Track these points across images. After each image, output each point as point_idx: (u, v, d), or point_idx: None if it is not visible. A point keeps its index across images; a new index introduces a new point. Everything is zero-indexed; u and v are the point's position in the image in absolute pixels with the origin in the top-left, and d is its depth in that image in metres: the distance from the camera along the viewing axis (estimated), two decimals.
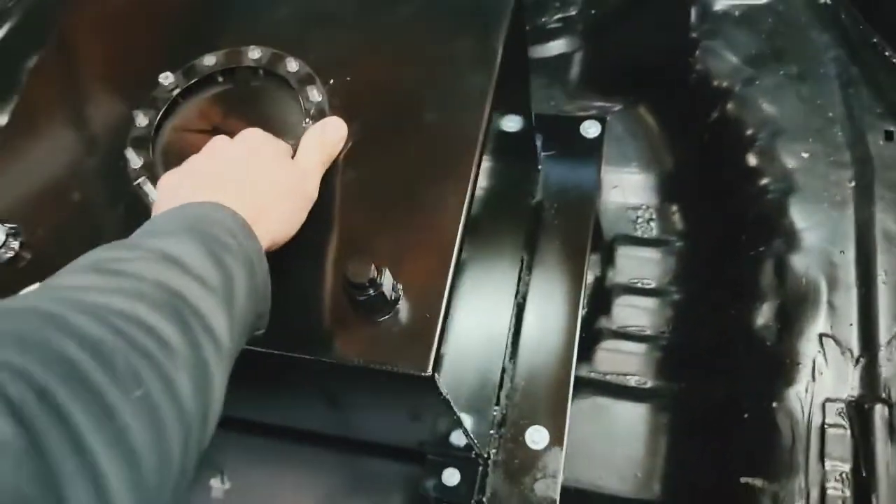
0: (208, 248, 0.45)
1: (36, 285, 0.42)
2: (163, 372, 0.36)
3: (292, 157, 0.61)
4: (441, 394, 0.57)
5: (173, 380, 0.36)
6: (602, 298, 0.95)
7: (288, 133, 0.65)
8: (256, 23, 0.71)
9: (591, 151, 0.99)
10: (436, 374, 0.54)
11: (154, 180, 0.63)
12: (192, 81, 0.68)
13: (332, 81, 0.67)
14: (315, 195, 0.59)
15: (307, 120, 0.65)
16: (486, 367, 0.84)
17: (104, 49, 0.72)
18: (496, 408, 0.86)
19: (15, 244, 0.63)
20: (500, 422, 0.85)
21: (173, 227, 0.47)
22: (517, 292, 0.92)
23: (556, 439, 0.83)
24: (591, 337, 0.92)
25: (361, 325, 0.56)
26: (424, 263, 0.57)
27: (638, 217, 0.98)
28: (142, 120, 0.67)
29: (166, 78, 0.68)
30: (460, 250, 0.58)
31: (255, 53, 0.68)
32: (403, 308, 0.56)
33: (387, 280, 0.54)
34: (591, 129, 1.00)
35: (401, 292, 0.56)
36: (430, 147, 0.62)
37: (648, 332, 0.91)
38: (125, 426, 0.32)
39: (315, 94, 0.65)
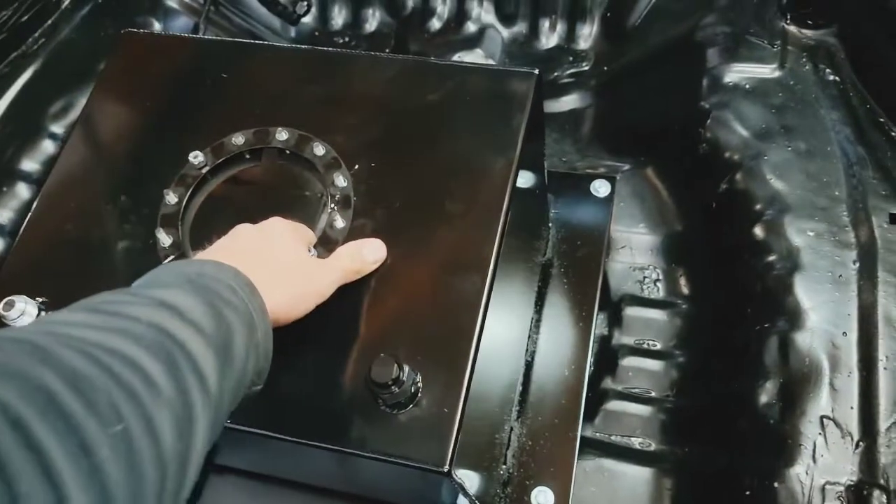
0: (207, 299, 0.45)
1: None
2: (145, 410, 0.35)
3: (316, 245, 0.64)
4: (457, 484, 0.59)
5: (154, 419, 0.35)
6: (609, 358, 0.97)
7: (311, 216, 0.67)
8: (285, 104, 0.73)
9: (601, 210, 1.02)
10: (453, 471, 0.56)
11: (182, 258, 0.65)
12: (220, 160, 0.71)
13: (357, 167, 0.69)
14: (326, 294, 0.59)
15: (332, 206, 0.67)
16: (494, 426, 0.87)
17: (136, 124, 0.75)
18: (503, 467, 0.88)
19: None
20: (506, 481, 0.87)
21: (173, 280, 0.47)
22: (526, 351, 0.94)
23: (562, 501, 0.86)
24: (597, 397, 0.94)
25: (382, 419, 0.58)
26: (444, 357, 0.60)
27: (645, 277, 1.01)
28: (171, 198, 0.69)
29: (196, 157, 0.70)
30: (477, 347, 0.60)
31: (282, 135, 0.71)
32: (423, 402, 0.58)
33: (408, 377, 0.56)
34: (601, 189, 1.03)
35: (420, 385, 0.58)
36: (451, 238, 0.64)
37: (653, 395, 0.93)
38: (101, 462, 0.31)
39: (340, 180, 0.68)
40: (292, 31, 1.27)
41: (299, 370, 0.61)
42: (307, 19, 1.26)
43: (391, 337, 0.61)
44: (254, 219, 0.62)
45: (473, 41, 1.23)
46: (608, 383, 0.96)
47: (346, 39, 1.28)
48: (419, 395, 0.58)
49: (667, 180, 1.03)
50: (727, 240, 0.90)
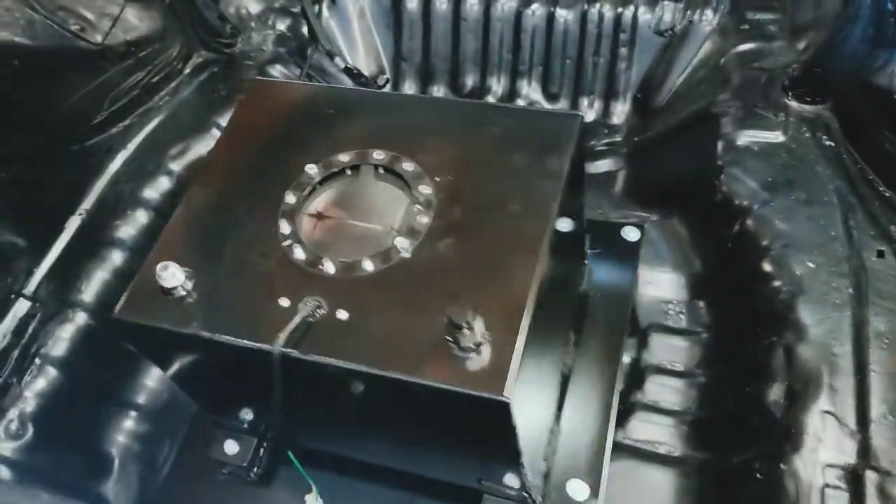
0: None
1: None
2: None
3: (403, 235, 0.81)
4: (511, 421, 0.73)
5: None
6: (637, 376, 1.10)
7: (399, 213, 0.85)
8: (379, 133, 0.92)
9: (631, 252, 1.18)
10: (510, 400, 0.70)
11: (298, 244, 0.83)
12: (329, 173, 0.90)
13: (437, 179, 0.87)
14: None
15: (417, 206, 0.85)
16: (537, 427, 0.99)
17: (262, 145, 0.95)
18: (543, 462, 1.00)
19: (189, 285, 0.83)
20: (546, 474, 0.99)
21: None
22: (565, 364, 1.08)
23: (595, 493, 0.97)
24: (627, 409, 1.07)
25: (452, 358, 0.73)
26: (503, 314, 0.75)
27: (669, 309, 1.15)
28: (290, 199, 0.88)
29: (311, 169, 0.89)
30: (532, 307, 0.76)
31: (379, 155, 0.90)
32: (486, 350, 0.73)
33: (478, 325, 0.71)
34: (631, 234, 1.19)
35: (487, 337, 0.73)
36: (512, 228, 0.81)
37: (677, 408, 1.05)
38: None
39: (425, 188, 0.86)
40: None
41: (383, 315, 0.76)
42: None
43: (461, 298, 0.77)
44: (354, 214, 0.79)
45: None
46: (637, 397, 1.08)
47: None
48: (482, 345, 0.73)
49: (688, 226, 1.19)
50: (740, 273, 1.05)
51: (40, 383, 1.09)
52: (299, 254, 0.83)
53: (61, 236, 1.20)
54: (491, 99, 1.47)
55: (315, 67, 1.43)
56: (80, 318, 1.15)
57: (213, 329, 0.79)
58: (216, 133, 1.33)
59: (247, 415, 1.01)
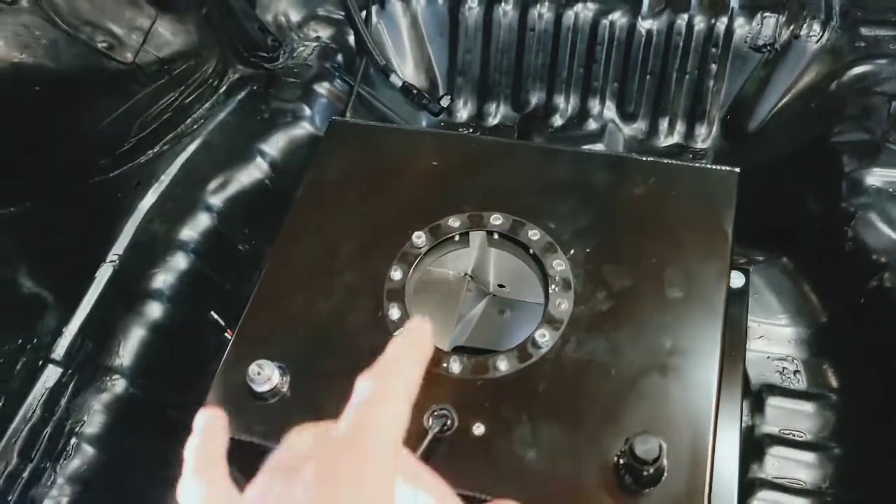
0: None
1: None
2: None
3: (542, 324, 0.68)
4: None
5: None
6: (754, 447, 0.99)
7: (533, 294, 0.71)
8: (494, 191, 0.78)
9: (736, 301, 1.06)
10: None
11: None
12: (439, 241, 0.75)
13: (572, 252, 0.73)
14: None
15: (552, 286, 0.71)
16: None
17: (353, 206, 0.80)
18: None
19: (285, 386, 0.69)
20: None
21: None
22: None
23: None
24: (745, 487, 0.96)
25: (625, 492, 0.60)
26: (685, 438, 0.62)
27: (784, 368, 1.04)
28: (396, 275, 0.74)
29: (419, 237, 0.74)
30: (715, 429, 0.63)
31: (497, 220, 0.76)
32: (671, 482, 0.60)
33: (665, 455, 0.59)
34: (735, 280, 1.06)
35: (666, 464, 0.60)
36: (676, 317, 0.68)
37: (806, 486, 0.94)
38: None
39: (559, 263, 0.72)
40: (423, 121, 1.35)
41: (528, 431, 0.63)
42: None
43: (629, 417, 0.64)
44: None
45: (595, 137, 1.30)
46: (756, 472, 0.97)
47: (471, 131, 1.36)
48: (664, 474, 0.60)
49: (805, 274, 1.07)
50: (882, 337, 0.93)
51: (76, 465, 0.95)
52: None
53: (91, 288, 1.04)
54: (558, 119, 1.33)
55: (363, 84, 1.27)
56: (119, 385, 1.00)
57: None
58: (260, 163, 1.17)
59: None
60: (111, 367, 1.00)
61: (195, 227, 1.12)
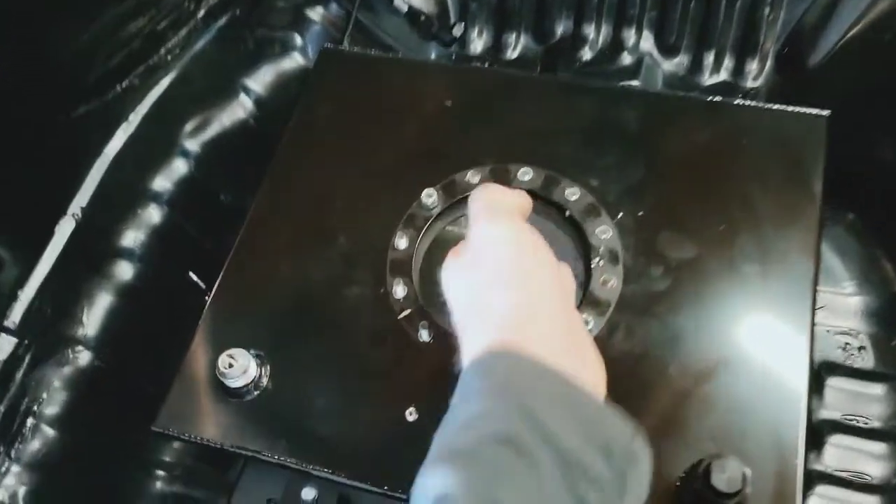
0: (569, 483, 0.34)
1: None
2: None
3: (580, 308, 0.54)
4: None
5: None
6: (811, 435, 0.86)
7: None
8: (523, 139, 0.63)
9: None
10: None
11: (424, 319, 0.55)
12: (455, 201, 0.61)
13: (620, 215, 0.59)
14: None
15: (596, 259, 0.57)
16: None
17: (349, 154, 0.65)
18: None
19: (265, 380, 0.55)
20: None
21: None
22: None
23: None
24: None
25: None
26: (764, 458, 0.49)
27: (847, 344, 0.90)
28: (402, 243, 0.59)
29: (430, 196, 0.60)
30: (805, 445, 0.50)
31: (526, 174, 0.61)
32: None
33: (749, 485, 0.46)
34: None
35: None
36: (752, 305, 0.54)
37: (873, 481, 0.82)
38: None
39: (604, 230, 0.58)
40: (432, 53, 1.18)
41: None
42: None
43: (693, 428, 0.51)
44: None
45: (629, 72, 1.13)
46: (813, 463, 0.85)
47: (486, 65, 1.19)
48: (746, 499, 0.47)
49: (874, 234, 0.93)
50: None
51: (35, 449, 0.83)
52: (425, 334, 0.56)
53: (50, 246, 0.90)
54: (588, 52, 1.16)
55: (363, 9, 1.10)
56: (83, 358, 0.87)
57: (308, 460, 0.53)
58: (244, 100, 1.02)
59: None
60: (74, 336, 0.87)
61: (170, 176, 0.97)
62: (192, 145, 0.99)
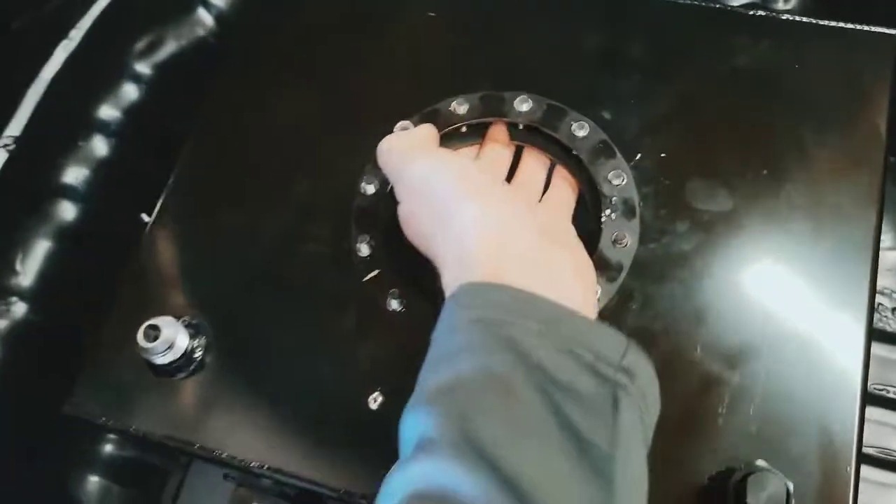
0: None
1: None
2: None
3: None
4: None
5: None
6: None
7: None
8: (521, 59, 0.51)
9: None
10: None
11: (388, 278, 0.45)
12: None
13: (638, 156, 0.48)
14: None
15: (608, 212, 0.46)
16: None
17: (304, 75, 0.53)
18: None
19: (199, 352, 0.45)
20: None
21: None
22: None
23: None
24: None
25: None
26: (809, 467, 0.40)
27: (880, 304, 0.80)
28: (369, 187, 0.48)
29: (405, 129, 0.48)
30: (860, 452, 0.41)
31: (524, 104, 0.49)
32: None
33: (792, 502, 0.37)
34: None
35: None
36: (801, 271, 0.44)
37: None
38: None
39: (617, 174, 0.47)
40: None
41: None
42: None
43: (724, 424, 0.41)
44: None
45: None
46: None
47: None
48: None
49: None
50: None
51: None
52: (395, 303, 0.45)
53: None
54: None
55: None
56: (18, 309, 0.77)
57: (249, 454, 0.43)
58: (203, 16, 0.89)
59: None
60: (7, 286, 0.77)
61: (117, 102, 0.85)
62: (143, 67, 0.86)
